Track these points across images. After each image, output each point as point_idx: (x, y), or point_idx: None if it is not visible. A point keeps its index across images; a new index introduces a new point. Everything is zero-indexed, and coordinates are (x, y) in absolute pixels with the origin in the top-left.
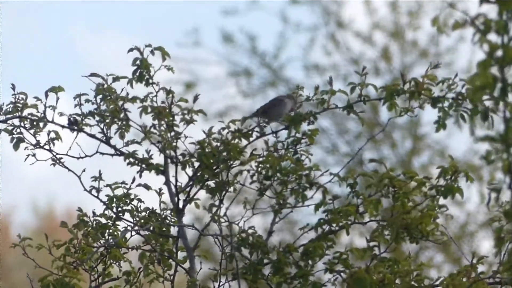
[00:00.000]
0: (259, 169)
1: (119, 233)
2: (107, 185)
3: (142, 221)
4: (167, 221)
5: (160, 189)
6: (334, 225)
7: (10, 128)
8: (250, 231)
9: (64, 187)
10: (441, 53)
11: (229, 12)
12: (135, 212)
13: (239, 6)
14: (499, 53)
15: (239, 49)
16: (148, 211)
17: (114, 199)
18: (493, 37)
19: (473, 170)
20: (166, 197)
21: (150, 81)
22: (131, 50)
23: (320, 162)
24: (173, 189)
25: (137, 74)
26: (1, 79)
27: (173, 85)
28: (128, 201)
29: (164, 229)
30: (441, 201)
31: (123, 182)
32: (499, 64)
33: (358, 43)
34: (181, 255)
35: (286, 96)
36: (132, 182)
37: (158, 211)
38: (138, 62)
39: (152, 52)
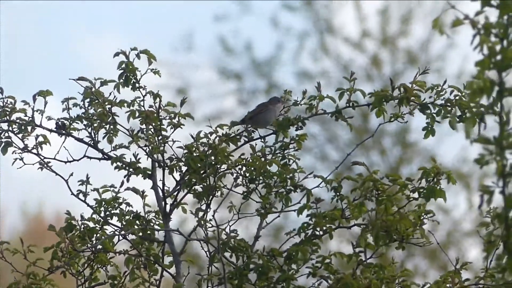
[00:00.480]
0: (243, 172)
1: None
2: (95, 189)
3: (125, 224)
4: (151, 225)
5: (143, 191)
6: (318, 229)
7: None
8: (232, 234)
9: (54, 190)
10: (431, 60)
11: (220, 18)
12: (122, 216)
13: (230, 11)
14: (498, 56)
15: (231, 54)
16: (132, 214)
17: (103, 203)
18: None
19: (462, 178)
20: (150, 199)
21: (137, 85)
22: (117, 54)
23: (309, 169)
24: (160, 193)
25: (123, 78)
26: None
27: (165, 90)
28: (117, 205)
29: (148, 232)
30: (428, 206)
31: (112, 186)
32: (497, 68)
33: (348, 50)
34: (167, 260)
35: (274, 100)
36: (121, 186)
37: (142, 214)
38: (123, 65)
39: (137, 56)
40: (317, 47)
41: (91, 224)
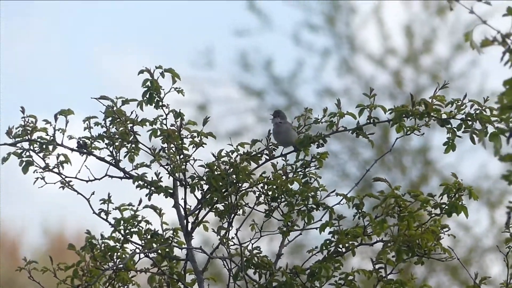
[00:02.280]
0: (265, 190)
1: (127, 255)
2: (116, 208)
3: (144, 242)
4: (172, 242)
5: (161, 209)
6: (340, 246)
7: (19, 151)
8: (255, 251)
9: (75, 209)
10: (454, 78)
11: (241, 33)
12: (143, 235)
13: (251, 27)
14: None
15: (252, 70)
16: (150, 233)
17: (122, 221)
18: None
19: (483, 195)
20: (171, 218)
21: (160, 103)
22: (141, 72)
23: (331, 185)
24: (182, 212)
25: (147, 96)
26: (22, 100)
27: (186, 106)
28: (136, 223)
29: (167, 250)
30: (444, 221)
31: (130, 204)
32: None
33: (371, 67)
34: (189, 277)
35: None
36: (139, 204)
37: (160, 231)
38: (148, 83)
39: (162, 74)
40: (339, 64)
41: (111, 243)
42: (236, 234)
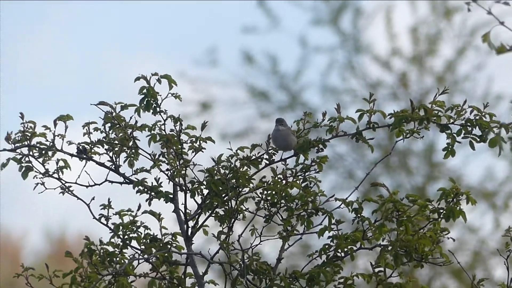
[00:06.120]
0: (265, 196)
1: (126, 261)
2: (116, 213)
3: (144, 247)
4: (171, 247)
5: (160, 214)
6: (339, 251)
7: (18, 157)
8: (254, 257)
9: (77, 213)
10: (459, 80)
11: (248, 30)
12: (142, 240)
13: (258, 26)
14: None
15: (257, 70)
16: (149, 237)
17: (120, 227)
18: None
19: (488, 197)
20: (170, 223)
21: (158, 109)
22: (137, 79)
23: (336, 188)
24: (182, 217)
25: (144, 103)
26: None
27: (190, 104)
28: (135, 228)
29: (166, 255)
30: (450, 224)
31: (128, 210)
32: None
33: (376, 68)
34: (189, 281)
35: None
36: (138, 209)
37: (159, 236)
38: (144, 91)
39: (159, 81)
40: (344, 65)
41: (110, 248)
42: (238, 241)
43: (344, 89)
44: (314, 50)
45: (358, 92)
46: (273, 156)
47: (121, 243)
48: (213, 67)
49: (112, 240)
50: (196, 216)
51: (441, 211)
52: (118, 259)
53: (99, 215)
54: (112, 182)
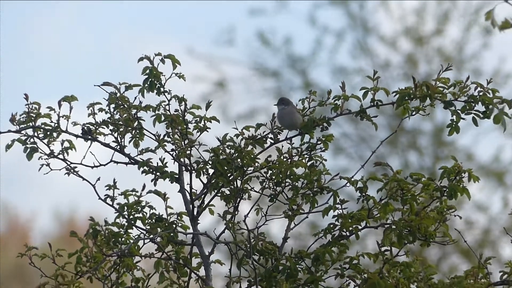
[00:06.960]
0: (269, 175)
1: (131, 241)
2: (122, 194)
3: (149, 227)
4: (176, 227)
5: (165, 194)
6: (344, 230)
7: (23, 138)
8: (260, 237)
9: (86, 195)
10: (466, 60)
11: (256, 12)
12: (147, 220)
13: (267, 7)
14: None
15: (268, 49)
16: (155, 217)
17: (125, 207)
18: None
19: (498, 176)
20: (176, 202)
21: (162, 89)
22: (141, 59)
23: (344, 169)
24: (188, 197)
25: (148, 83)
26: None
27: (203, 82)
28: (140, 208)
29: (171, 234)
30: (464, 204)
31: (133, 190)
32: None
33: (384, 48)
34: (195, 261)
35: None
36: (143, 189)
37: (165, 216)
38: (147, 71)
39: (162, 61)
40: (353, 45)
41: (115, 229)
42: (244, 221)
43: (353, 69)
44: (323, 30)
45: (368, 73)
46: (278, 135)
47: (126, 224)
48: (229, 47)
49: (117, 220)
50: (202, 196)
51: (444, 189)
52: (123, 239)
53: (105, 195)
54: (117, 162)
